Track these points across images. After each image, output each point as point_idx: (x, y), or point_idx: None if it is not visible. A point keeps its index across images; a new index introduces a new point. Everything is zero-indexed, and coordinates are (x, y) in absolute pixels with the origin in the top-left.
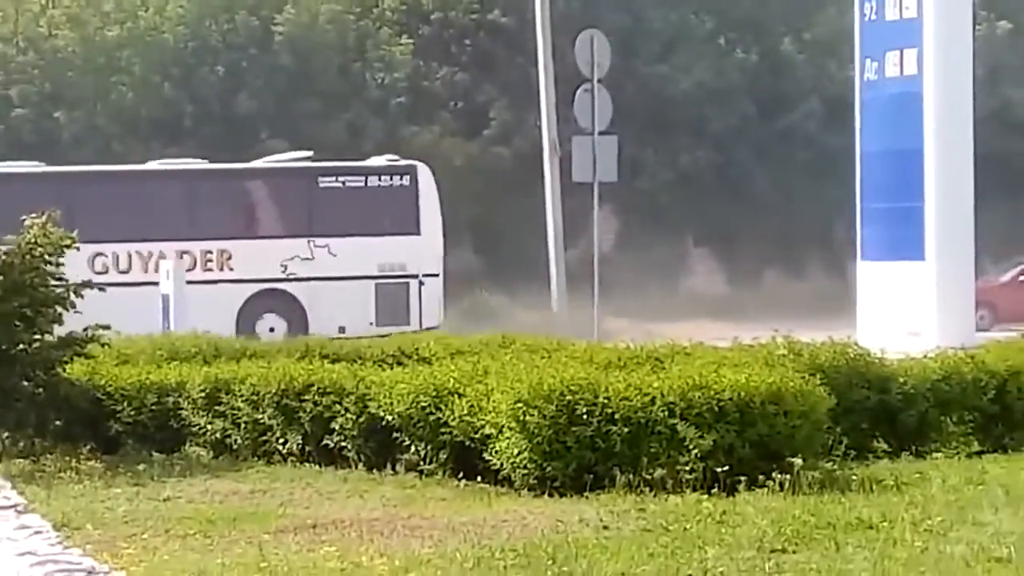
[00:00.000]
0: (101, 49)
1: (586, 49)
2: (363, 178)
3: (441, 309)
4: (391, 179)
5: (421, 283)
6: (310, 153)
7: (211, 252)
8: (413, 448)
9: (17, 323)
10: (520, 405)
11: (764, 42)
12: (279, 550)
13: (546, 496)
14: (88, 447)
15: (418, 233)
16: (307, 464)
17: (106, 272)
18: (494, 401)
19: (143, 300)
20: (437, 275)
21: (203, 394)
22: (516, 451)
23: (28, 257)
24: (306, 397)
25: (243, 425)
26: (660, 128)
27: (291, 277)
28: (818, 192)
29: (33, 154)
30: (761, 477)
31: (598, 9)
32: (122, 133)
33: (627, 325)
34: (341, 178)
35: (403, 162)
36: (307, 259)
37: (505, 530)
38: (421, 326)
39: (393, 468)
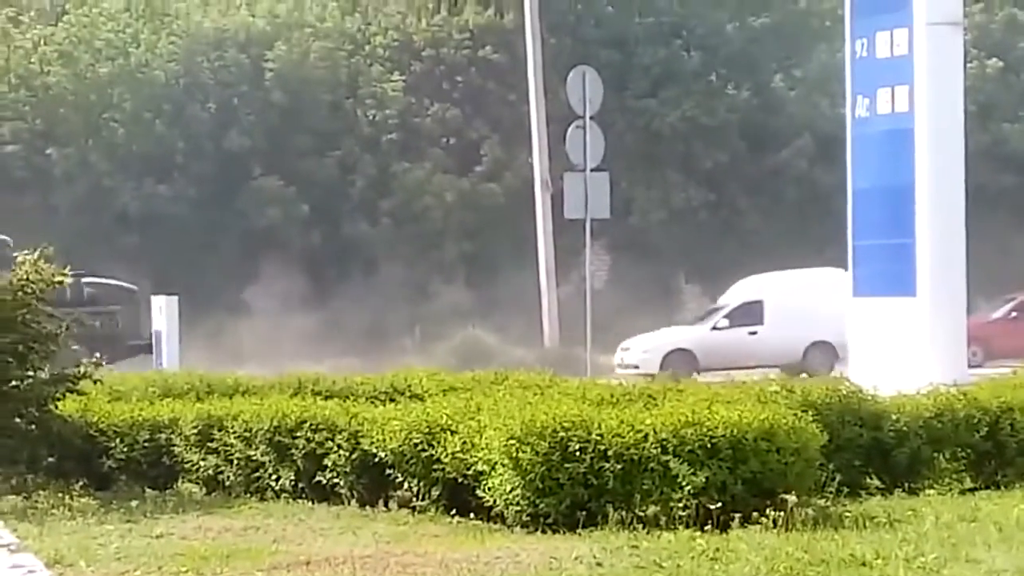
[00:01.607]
0: (92, 86)
1: (578, 86)
2: None
3: None
4: None
5: None
6: None
7: None
8: (406, 485)
9: (9, 359)
10: (513, 442)
11: (755, 79)
12: None
13: (539, 533)
14: (80, 484)
15: None
16: (300, 501)
17: None
18: (487, 438)
19: None
20: None
21: (196, 431)
22: (509, 488)
23: (20, 294)
24: (299, 434)
25: (236, 462)
26: (652, 165)
27: None
28: (810, 229)
29: (24, 190)
30: (754, 514)
31: (589, 46)
32: (113, 170)
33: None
34: None
35: None
36: None
37: (498, 567)
38: None
39: (386, 505)
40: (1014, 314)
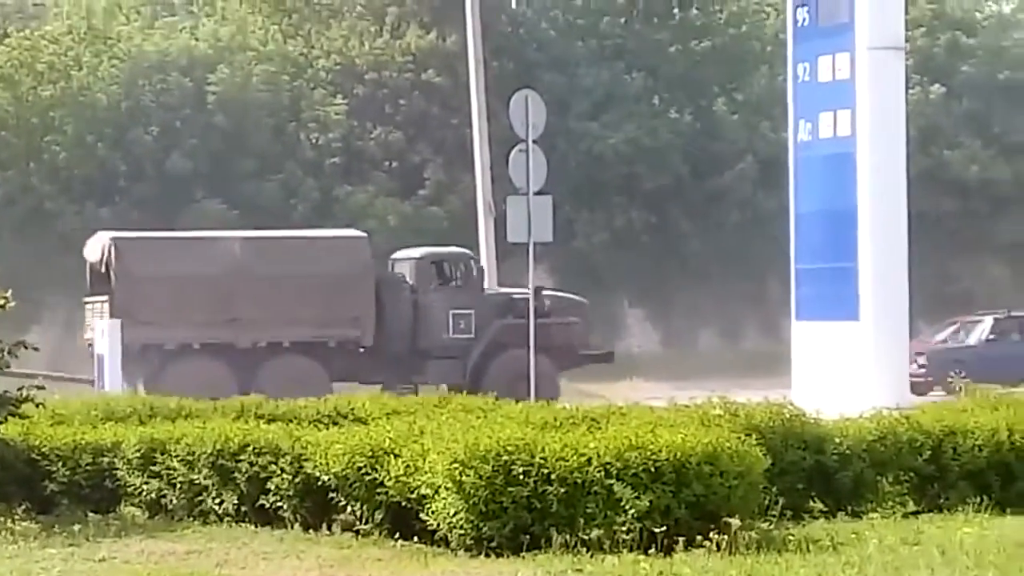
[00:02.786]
0: (34, 109)
1: (521, 109)
2: None
3: None
4: None
5: None
6: None
7: None
8: (349, 508)
9: None
10: (456, 465)
11: (697, 102)
12: None
13: (483, 556)
14: (23, 507)
15: None
16: (243, 524)
17: None
18: (430, 461)
19: None
20: None
21: (138, 454)
22: (452, 511)
23: None
24: (242, 457)
25: (179, 485)
26: (594, 188)
27: None
28: (752, 252)
29: None
30: (698, 537)
31: (532, 69)
32: (55, 193)
33: (563, 385)
34: None
35: None
36: None
37: None
38: None
39: (329, 528)
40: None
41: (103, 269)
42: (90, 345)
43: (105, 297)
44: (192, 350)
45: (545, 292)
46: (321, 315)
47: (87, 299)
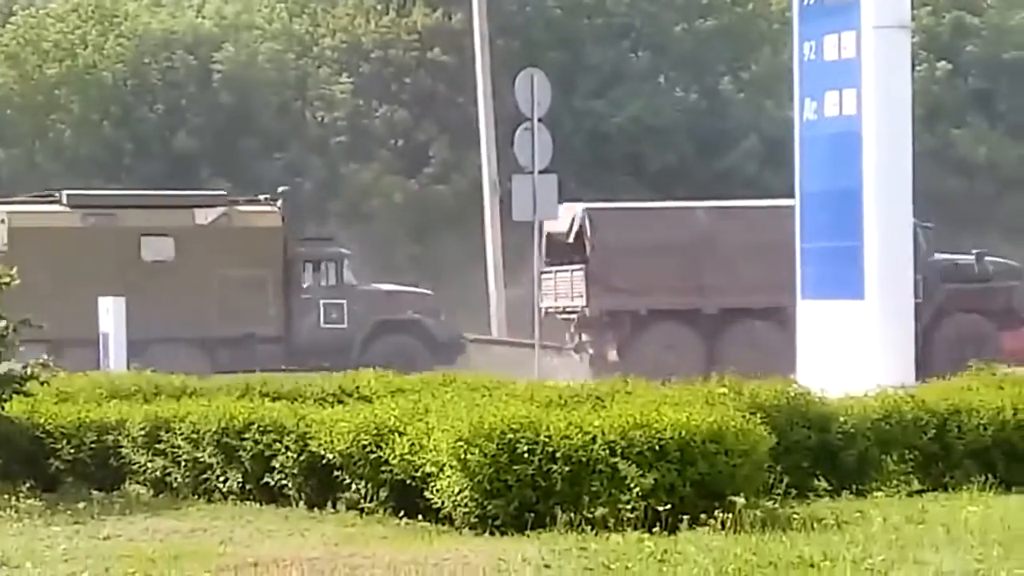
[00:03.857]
0: (40, 87)
1: (526, 88)
2: None
3: None
4: None
5: None
6: None
7: None
8: (354, 486)
9: None
10: (461, 443)
11: (703, 81)
12: None
13: (487, 535)
14: (27, 485)
15: None
16: (248, 502)
17: None
18: (435, 439)
19: None
20: None
21: (143, 432)
22: (457, 489)
23: None
24: (246, 435)
25: (183, 463)
26: (600, 167)
27: None
28: None
29: None
30: (703, 516)
31: (537, 47)
32: (61, 171)
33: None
34: None
35: None
36: None
37: (446, 569)
38: None
39: (334, 506)
40: None
41: (571, 239)
42: (549, 312)
43: (567, 266)
44: (661, 316)
45: (987, 258)
46: (780, 281)
47: (545, 268)
